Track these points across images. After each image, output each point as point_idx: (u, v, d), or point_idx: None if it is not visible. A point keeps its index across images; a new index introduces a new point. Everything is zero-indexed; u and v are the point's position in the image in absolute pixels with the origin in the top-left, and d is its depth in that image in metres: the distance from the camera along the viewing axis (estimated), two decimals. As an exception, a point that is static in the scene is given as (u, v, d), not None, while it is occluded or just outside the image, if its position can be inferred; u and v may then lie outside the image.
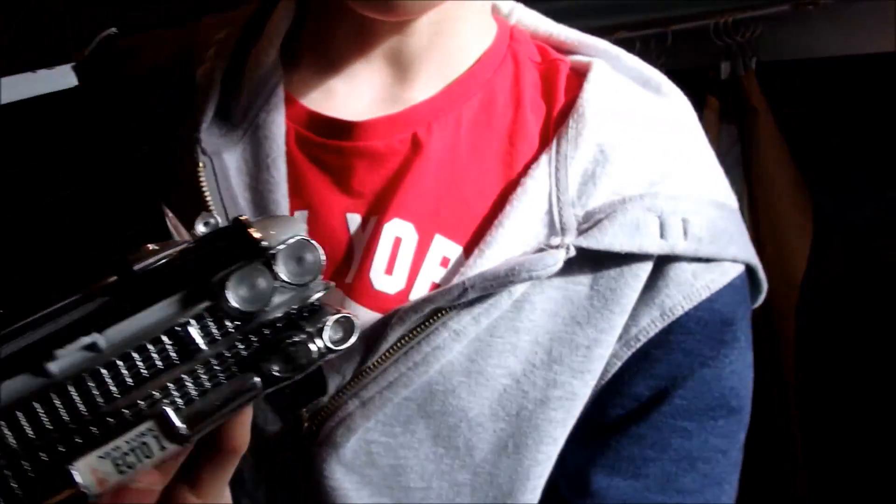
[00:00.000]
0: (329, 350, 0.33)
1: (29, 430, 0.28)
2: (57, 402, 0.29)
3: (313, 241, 0.33)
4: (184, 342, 0.31)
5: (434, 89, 0.56)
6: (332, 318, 0.33)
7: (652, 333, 0.53)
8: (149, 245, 0.33)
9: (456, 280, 0.51)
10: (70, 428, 0.29)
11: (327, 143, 0.54)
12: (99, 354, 0.29)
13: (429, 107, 0.55)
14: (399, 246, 0.53)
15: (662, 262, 0.52)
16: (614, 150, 0.53)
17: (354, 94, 0.56)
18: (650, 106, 0.57)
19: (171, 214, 0.36)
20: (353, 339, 0.34)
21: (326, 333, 0.33)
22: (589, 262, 0.51)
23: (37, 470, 0.28)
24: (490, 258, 0.51)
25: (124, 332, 0.30)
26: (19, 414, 0.28)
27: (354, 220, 0.53)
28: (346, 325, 0.34)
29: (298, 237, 0.33)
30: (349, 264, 0.53)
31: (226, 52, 0.58)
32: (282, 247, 0.32)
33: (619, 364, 0.53)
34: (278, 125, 0.55)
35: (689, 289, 0.52)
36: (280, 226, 0.33)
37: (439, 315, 0.51)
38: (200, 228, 0.34)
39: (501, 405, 0.52)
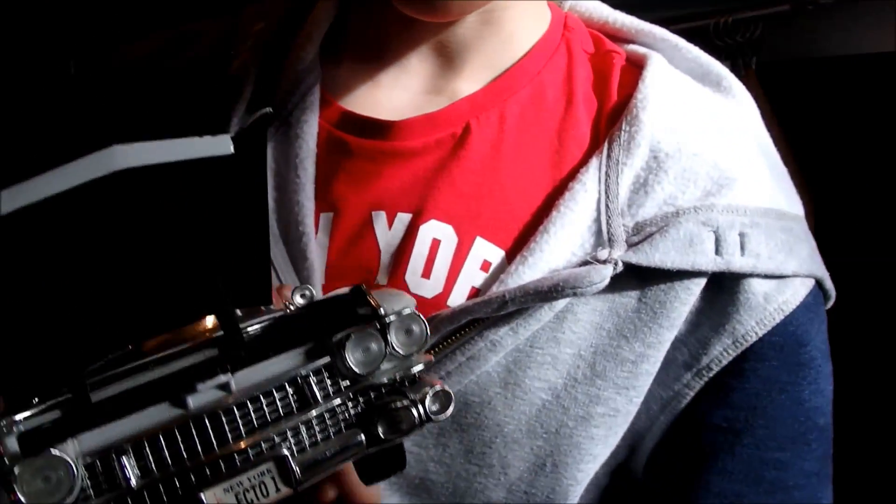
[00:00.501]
0: (428, 419, 0.36)
1: (166, 456, 0.31)
2: (193, 433, 0.32)
3: (421, 316, 0.36)
4: (303, 393, 0.34)
5: (482, 81, 0.54)
6: (432, 390, 0.36)
7: (725, 362, 0.50)
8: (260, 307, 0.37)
9: (497, 287, 0.48)
10: (201, 459, 0.32)
11: (362, 144, 0.52)
12: (231, 394, 0.32)
13: (470, 103, 0.53)
14: (437, 248, 0.50)
15: (727, 282, 0.49)
16: (669, 157, 0.50)
17: (399, 86, 0.54)
18: (709, 106, 0.54)
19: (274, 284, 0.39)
20: (449, 412, 0.36)
21: (427, 403, 0.35)
22: (637, 273, 0.49)
23: (170, 495, 0.31)
24: (533, 266, 0.48)
25: (253, 377, 0.33)
26: (160, 439, 0.31)
27: (382, 218, 0.51)
28: (444, 399, 0.36)
29: (410, 310, 0.36)
30: (380, 265, 0.51)
31: (261, 45, 0.56)
32: (395, 317, 0.35)
33: (692, 394, 0.51)
34: (311, 125, 0.53)
35: (762, 313, 0.50)
36: (393, 298, 0.36)
37: (476, 324, 0.48)
38: (298, 300, 0.38)
39: (539, 421, 0.50)
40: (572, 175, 0.51)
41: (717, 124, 0.53)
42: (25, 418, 0.31)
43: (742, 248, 0.49)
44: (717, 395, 0.51)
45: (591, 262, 0.48)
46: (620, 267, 0.48)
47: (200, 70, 0.58)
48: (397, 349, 0.35)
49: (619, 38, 0.58)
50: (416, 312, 0.36)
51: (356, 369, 0.34)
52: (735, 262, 0.49)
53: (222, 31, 0.60)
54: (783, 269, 0.50)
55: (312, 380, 0.34)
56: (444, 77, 0.54)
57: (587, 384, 0.50)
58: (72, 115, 0.63)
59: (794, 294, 0.51)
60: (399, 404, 0.35)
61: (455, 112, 0.53)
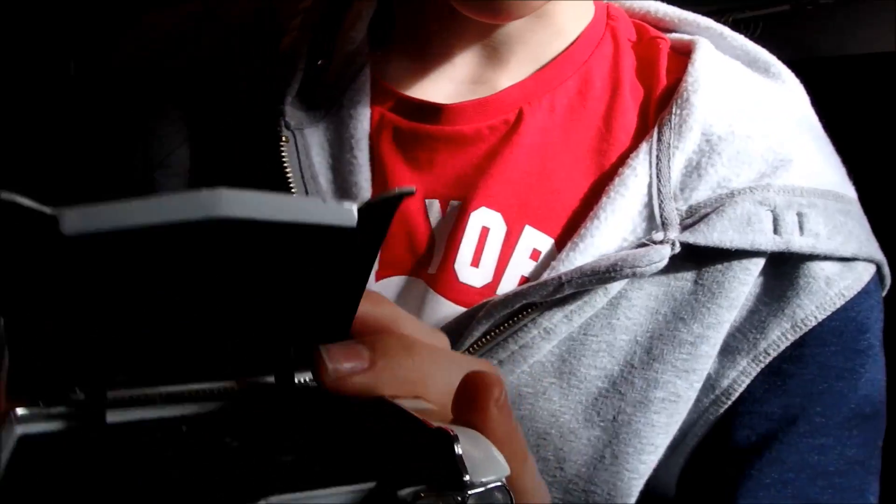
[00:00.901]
0: None
1: None
2: None
3: (510, 490, 0.29)
4: None
5: (527, 72, 0.53)
6: None
7: (783, 347, 0.49)
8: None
9: (548, 274, 0.47)
10: None
11: (414, 128, 0.52)
12: None
13: (521, 91, 0.52)
14: (486, 236, 0.49)
15: (787, 268, 0.49)
16: (721, 140, 0.49)
17: (445, 76, 0.53)
18: (759, 90, 0.53)
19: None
20: None
21: None
22: (692, 255, 0.48)
23: None
24: (584, 252, 0.47)
25: None
26: None
27: (435, 206, 0.50)
28: None
29: (500, 483, 0.29)
30: (431, 254, 0.50)
31: (313, 23, 0.55)
32: (481, 490, 0.28)
33: (748, 381, 0.49)
34: (364, 105, 0.52)
35: (823, 298, 0.48)
36: (486, 465, 0.29)
37: (529, 311, 0.47)
38: None
39: (596, 409, 0.48)
40: (621, 161, 0.50)
41: (770, 108, 0.52)
42: (24, 416, 0.29)
43: (801, 227, 0.48)
44: (773, 381, 0.50)
45: (646, 245, 0.47)
46: (678, 247, 0.47)
47: (243, 46, 0.57)
48: None
49: (661, 27, 0.58)
50: (506, 486, 0.29)
51: None
52: (795, 241, 0.48)
53: (255, 5, 0.59)
54: (843, 250, 0.49)
55: None
56: (490, 67, 0.53)
57: (644, 369, 0.48)
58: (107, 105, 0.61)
59: (856, 279, 0.49)
60: None
61: (507, 98, 0.52)
